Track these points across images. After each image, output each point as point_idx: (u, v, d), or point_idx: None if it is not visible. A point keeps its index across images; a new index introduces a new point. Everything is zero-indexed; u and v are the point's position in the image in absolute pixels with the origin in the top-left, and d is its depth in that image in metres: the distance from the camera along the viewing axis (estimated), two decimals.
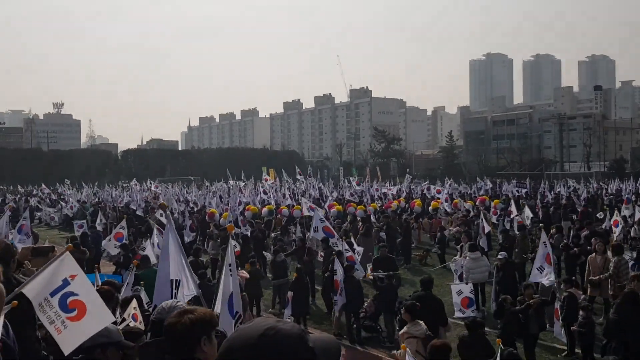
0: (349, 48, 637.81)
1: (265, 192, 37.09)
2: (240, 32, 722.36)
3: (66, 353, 5.19)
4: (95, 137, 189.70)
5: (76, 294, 5.50)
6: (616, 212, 19.94)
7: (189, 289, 6.82)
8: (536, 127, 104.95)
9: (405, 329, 8.54)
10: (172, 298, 6.45)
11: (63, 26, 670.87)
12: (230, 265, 6.77)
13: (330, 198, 35.50)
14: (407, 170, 67.19)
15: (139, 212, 30.91)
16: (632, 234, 18.56)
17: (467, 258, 14.37)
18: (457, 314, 13.22)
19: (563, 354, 10.71)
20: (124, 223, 18.23)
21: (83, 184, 56.57)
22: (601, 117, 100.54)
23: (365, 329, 12.35)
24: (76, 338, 5.44)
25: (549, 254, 11.31)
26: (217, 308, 6.71)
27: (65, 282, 5.45)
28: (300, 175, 51.71)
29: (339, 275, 11.97)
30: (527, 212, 23.01)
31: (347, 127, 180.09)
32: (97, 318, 5.64)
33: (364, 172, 72.10)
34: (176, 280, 6.81)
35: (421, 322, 8.59)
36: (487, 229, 18.07)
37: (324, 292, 13.90)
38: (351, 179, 61.12)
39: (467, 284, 14.04)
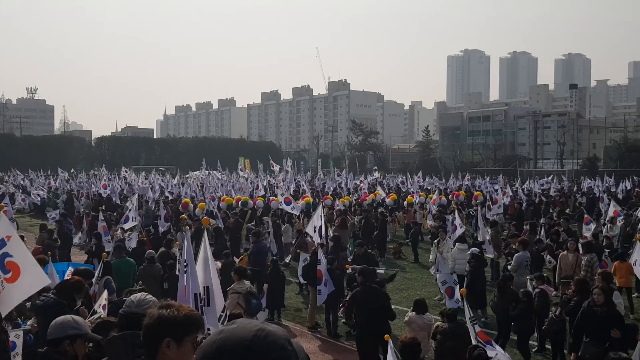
0: (328, 40, 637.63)
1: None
2: (219, 21, 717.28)
3: (4, 314, 5.14)
4: (69, 124, 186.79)
5: (11, 255, 5.55)
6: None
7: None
8: (511, 124, 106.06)
9: (232, 286, 10.14)
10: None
11: (37, 10, 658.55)
12: (206, 260, 6.70)
13: (306, 190, 35.48)
14: (375, 167, 67.27)
15: (116, 200, 30.51)
16: (603, 233, 18.84)
17: (455, 248, 14.80)
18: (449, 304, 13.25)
19: (533, 350, 10.82)
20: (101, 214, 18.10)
21: (59, 170, 55.58)
22: (576, 116, 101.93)
23: (346, 322, 12.19)
24: (13, 300, 5.50)
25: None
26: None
27: (2, 243, 5.54)
28: (273, 166, 51.79)
29: (322, 265, 11.87)
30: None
31: (325, 119, 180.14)
32: (32, 281, 5.65)
33: (341, 164, 72.24)
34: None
35: (246, 282, 10.10)
36: (461, 229, 17.99)
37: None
38: (325, 171, 61.31)
39: (452, 274, 14.19)
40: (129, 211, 19.18)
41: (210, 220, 19.32)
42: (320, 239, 14.93)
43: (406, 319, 9.52)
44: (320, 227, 15.50)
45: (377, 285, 10.11)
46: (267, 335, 1.44)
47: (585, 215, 20.59)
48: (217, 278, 7.50)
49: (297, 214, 22.98)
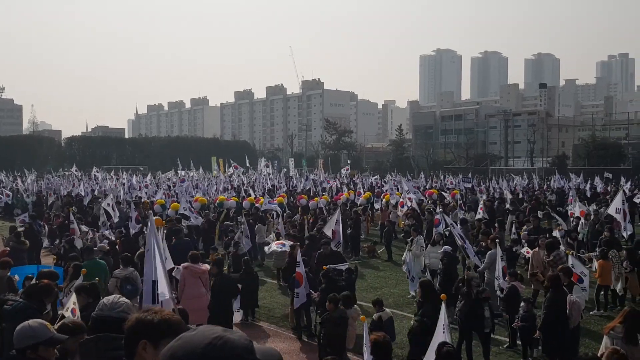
0: (301, 39, 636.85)
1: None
2: (192, 20, 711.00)
3: None
4: (37, 123, 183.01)
5: None
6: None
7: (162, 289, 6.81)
8: (482, 122, 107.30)
9: (115, 271, 11.26)
10: (154, 299, 6.35)
11: (3, 5, 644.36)
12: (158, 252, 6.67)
13: (281, 190, 35.51)
14: (349, 161, 67.72)
15: (86, 202, 30.11)
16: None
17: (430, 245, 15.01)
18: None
19: (505, 346, 11.00)
20: (71, 216, 17.85)
21: (25, 171, 54.54)
22: (545, 114, 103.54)
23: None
24: None
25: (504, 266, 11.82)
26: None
27: None
28: (237, 167, 52.19)
29: (302, 267, 11.86)
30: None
31: (299, 118, 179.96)
32: None
33: (315, 163, 72.32)
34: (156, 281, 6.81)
35: (130, 268, 10.97)
36: (442, 226, 18.25)
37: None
38: (299, 170, 61.39)
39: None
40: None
41: (163, 222, 19.00)
42: (335, 240, 15.16)
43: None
44: (337, 231, 15.60)
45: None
46: (224, 343, 1.35)
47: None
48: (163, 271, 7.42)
49: (277, 213, 22.97)
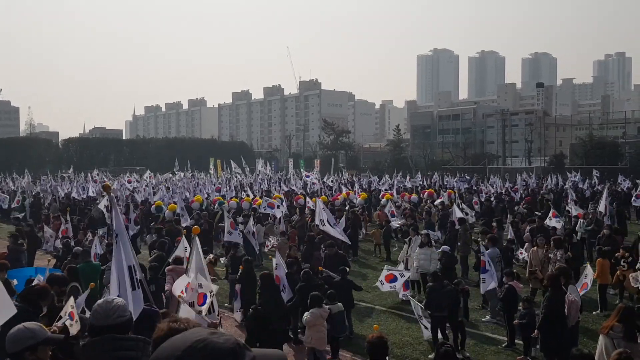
0: (298, 40, 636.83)
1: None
2: (189, 20, 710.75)
3: None
4: (34, 125, 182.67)
5: None
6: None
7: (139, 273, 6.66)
8: (480, 122, 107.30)
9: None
10: (133, 284, 6.24)
11: (4, 7, 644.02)
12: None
13: (280, 190, 35.46)
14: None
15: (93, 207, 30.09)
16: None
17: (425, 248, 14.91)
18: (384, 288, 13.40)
19: (503, 345, 10.98)
20: (67, 217, 17.79)
21: (14, 174, 54.40)
22: (542, 114, 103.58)
23: None
24: None
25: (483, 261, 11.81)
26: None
27: None
28: (235, 168, 52.50)
29: (280, 270, 11.73)
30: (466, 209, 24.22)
31: (297, 118, 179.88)
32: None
33: (313, 164, 72.32)
34: (133, 265, 6.57)
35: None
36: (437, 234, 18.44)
37: None
38: (297, 170, 61.45)
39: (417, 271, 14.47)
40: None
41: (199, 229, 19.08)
42: (334, 228, 15.15)
43: (308, 317, 9.56)
44: (327, 219, 15.50)
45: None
46: (204, 346, 1.30)
47: (552, 211, 20.91)
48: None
49: (278, 217, 22.91)
